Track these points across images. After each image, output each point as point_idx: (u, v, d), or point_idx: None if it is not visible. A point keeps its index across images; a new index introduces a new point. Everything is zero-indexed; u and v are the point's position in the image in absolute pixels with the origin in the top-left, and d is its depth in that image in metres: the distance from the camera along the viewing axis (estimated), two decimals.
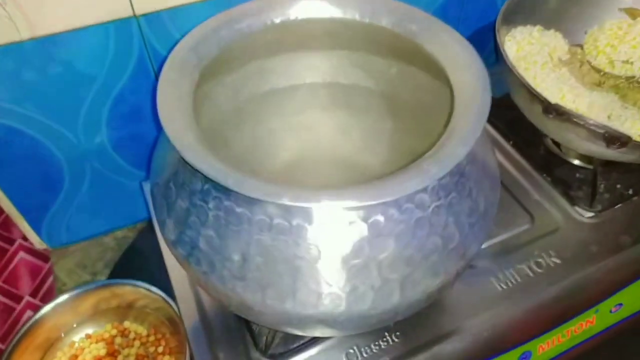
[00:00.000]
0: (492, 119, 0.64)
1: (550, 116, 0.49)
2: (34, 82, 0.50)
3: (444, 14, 0.66)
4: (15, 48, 0.48)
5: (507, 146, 0.62)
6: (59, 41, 0.49)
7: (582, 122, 0.47)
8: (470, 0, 0.67)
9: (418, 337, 0.46)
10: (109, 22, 0.50)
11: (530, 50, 0.59)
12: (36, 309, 0.62)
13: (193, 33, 0.40)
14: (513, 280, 0.50)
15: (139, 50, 0.53)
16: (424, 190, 0.33)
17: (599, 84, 0.61)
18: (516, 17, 0.62)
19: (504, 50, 0.54)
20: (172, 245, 0.37)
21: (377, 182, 0.30)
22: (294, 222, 0.32)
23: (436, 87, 0.43)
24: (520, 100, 0.55)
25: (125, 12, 0.50)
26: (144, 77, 0.55)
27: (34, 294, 0.63)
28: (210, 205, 0.34)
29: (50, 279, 0.66)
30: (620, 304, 0.53)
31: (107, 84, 0.54)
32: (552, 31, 0.62)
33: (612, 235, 0.53)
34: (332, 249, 0.32)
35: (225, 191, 0.33)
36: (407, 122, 0.51)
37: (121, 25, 0.50)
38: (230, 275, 0.34)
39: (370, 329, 0.38)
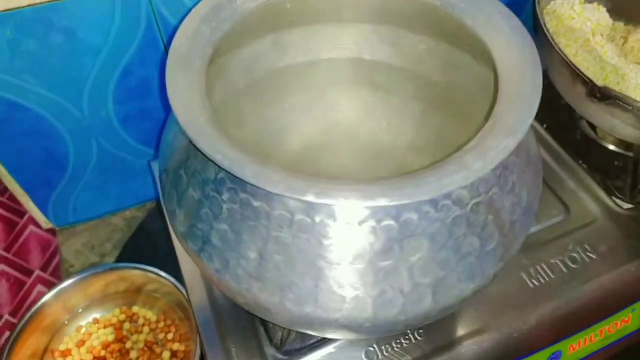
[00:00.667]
0: None
1: (595, 99, 0.44)
2: (35, 52, 0.47)
3: None
4: (13, 15, 0.44)
5: (541, 129, 0.57)
6: (60, 8, 0.45)
7: (630, 107, 0.43)
8: None
9: (442, 335, 0.43)
10: None
11: (571, 25, 0.54)
12: (46, 283, 0.60)
13: (205, 2, 0.36)
14: (545, 277, 0.46)
15: (147, 18, 0.49)
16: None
17: None
18: None
19: (544, 24, 0.49)
20: (182, 237, 0.34)
21: (413, 177, 0.27)
22: (317, 219, 0.29)
23: (474, 67, 0.39)
24: (560, 80, 0.51)
25: None
26: (153, 48, 0.52)
27: (44, 268, 0.62)
28: (225, 197, 0.30)
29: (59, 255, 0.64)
30: None
31: (113, 55, 0.50)
32: (594, 4, 0.57)
33: None
34: (359, 249, 0.29)
35: (241, 182, 0.29)
36: (437, 103, 0.47)
37: None
38: (246, 274, 0.31)
39: (397, 333, 0.35)
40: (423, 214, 0.29)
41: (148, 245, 0.65)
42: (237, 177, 0.27)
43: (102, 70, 0.51)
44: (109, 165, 0.61)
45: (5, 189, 0.58)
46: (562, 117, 0.56)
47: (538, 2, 0.53)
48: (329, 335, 0.37)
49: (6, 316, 0.54)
